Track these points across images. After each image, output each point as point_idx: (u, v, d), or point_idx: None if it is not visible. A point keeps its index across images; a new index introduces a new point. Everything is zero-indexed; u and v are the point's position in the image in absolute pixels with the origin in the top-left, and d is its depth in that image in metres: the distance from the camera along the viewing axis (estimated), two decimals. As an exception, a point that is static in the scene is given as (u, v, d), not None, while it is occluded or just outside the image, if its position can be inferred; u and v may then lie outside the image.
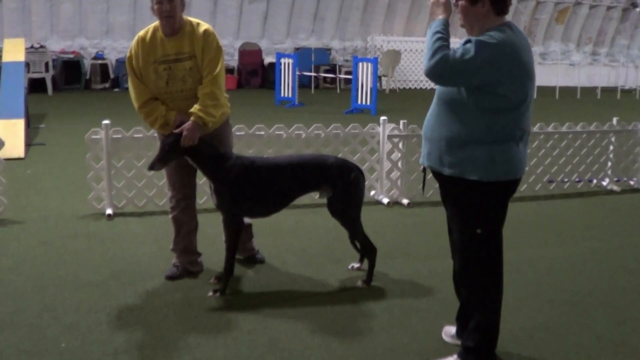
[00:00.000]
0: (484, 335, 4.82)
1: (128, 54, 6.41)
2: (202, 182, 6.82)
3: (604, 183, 10.84)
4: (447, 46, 4.45)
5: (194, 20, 6.38)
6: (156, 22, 6.34)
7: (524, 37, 4.62)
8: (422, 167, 5.10)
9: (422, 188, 5.24)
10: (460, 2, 4.63)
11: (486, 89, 4.46)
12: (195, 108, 6.18)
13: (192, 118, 6.15)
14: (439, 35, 4.49)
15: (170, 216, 6.77)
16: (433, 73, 4.43)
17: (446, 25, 4.57)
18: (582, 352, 5.25)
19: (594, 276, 6.96)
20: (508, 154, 4.57)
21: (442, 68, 4.39)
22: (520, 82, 4.47)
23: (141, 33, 6.39)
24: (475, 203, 4.66)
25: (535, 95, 4.74)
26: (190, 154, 6.18)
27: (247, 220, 6.78)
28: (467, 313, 4.94)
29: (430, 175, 5.15)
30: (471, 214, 4.70)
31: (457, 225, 4.81)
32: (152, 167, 6.22)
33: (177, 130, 6.11)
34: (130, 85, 6.42)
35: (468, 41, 4.50)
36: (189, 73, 6.25)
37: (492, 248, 4.75)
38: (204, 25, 6.36)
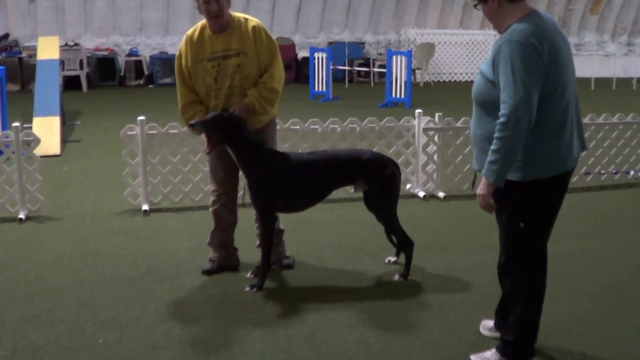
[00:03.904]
0: (524, 329, 4.77)
1: (177, 53, 6.49)
2: (241, 176, 6.81)
3: (641, 174, 10.75)
4: (497, 139, 4.34)
5: (241, 15, 6.41)
6: (203, 21, 6.35)
7: (552, 24, 4.49)
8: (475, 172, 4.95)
9: (472, 187, 5.08)
10: (478, 7, 4.60)
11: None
12: (251, 93, 6.27)
13: (245, 100, 6.26)
14: (493, 157, 4.38)
15: (210, 210, 6.78)
16: (522, 122, 4.27)
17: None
18: (621, 346, 5.19)
19: (633, 268, 6.89)
20: (546, 149, 4.46)
21: (520, 116, 4.25)
22: (549, 71, 4.34)
23: (189, 32, 6.42)
24: (518, 201, 4.58)
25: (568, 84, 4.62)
26: (231, 137, 6.14)
27: (280, 226, 6.80)
28: (508, 306, 4.90)
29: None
30: (515, 210, 4.62)
31: (501, 219, 4.74)
32: (194, 124, 6.12)
33: (225, 110, 6.21)
34: (177, 84, 6.51)
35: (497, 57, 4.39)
36: (237, 70, 6.28)
37: (535, 243, 4.69)
38: (252, 21, 6.39)
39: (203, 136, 6.40)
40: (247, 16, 6.44)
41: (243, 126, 6.14)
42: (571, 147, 4.56)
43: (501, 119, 4.28)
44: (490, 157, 4.38)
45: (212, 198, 6.76)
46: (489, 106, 4.48)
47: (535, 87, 4.27)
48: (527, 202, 4.57)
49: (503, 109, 4.27)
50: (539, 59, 4.28)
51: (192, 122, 6.16)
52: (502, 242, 4.82)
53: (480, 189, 4.51)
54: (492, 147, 4.35)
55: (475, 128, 4.70)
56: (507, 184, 4.49)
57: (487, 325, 5.36)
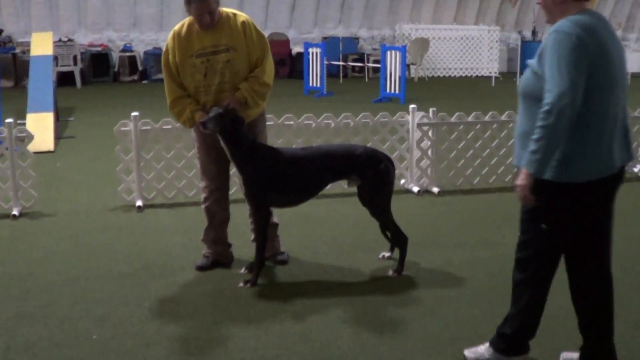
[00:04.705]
0: (524, 323, 4.75)
1: (164, 49, 6.42)
2: (232, 172, 6.82)
3: (635, 169, 10.74)
4: (538, 129, 4.19)
5: (229, 10, 6.36)
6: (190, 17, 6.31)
7: (606, 25, 4.38)
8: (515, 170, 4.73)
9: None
10: None
11: None
12: (244, 87, 6.27)
13: (237, 94, 6.25)
14: (535, 146, 4.22)
15: (202, 206, 6.76)
16: (566, 111, 4.13)
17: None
18: (615, 340, 5.19)
19: (626, 263, 6.90)
20: (587, 151, 4.31)
21: (565, 104, 4.11)
22: (595, 68, 4.21)
23: (176, 27, 6.36)
24: (545, 201, 4.40)
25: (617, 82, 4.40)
26: (229, 133, 6.12)
27: (274, 219, 6.79)
28: (513, 298, 4.81)
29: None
30: (539, 210, 4.46)
31: (524, 215, 4.61)
32: (204, 123, 6.03)
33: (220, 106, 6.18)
34: (164, 80, 6.46)
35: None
36: (227, 65, 6.25)
37: (553, 247, 4.60)
38: (241, 17, 6.36)
39: (192, 132, 6.43)
40: (235, 11, 6.40)
41: (241, 124, 6.13)
42: (611, 154, 4.42)
43: (545, 107, 4.15)
44: (531, 146, 4.23)
45: (203, 195, 6.74)
46: (536, 99, 4.32)
47: (580, 78, 4.15)
48: (553, 204, 4.45)
49: (547, 98, 4.15)
50: (586, 52, 4.18)
51: (202, 120, 6.10)
52: (520, 238, 4.70)
53: (520, 179, 4.35)
54: (534, 136, 4.21)
55: (520, 123, 4.53)
56: (543, 183, 4.36)
57: (570, 357, 5.08)
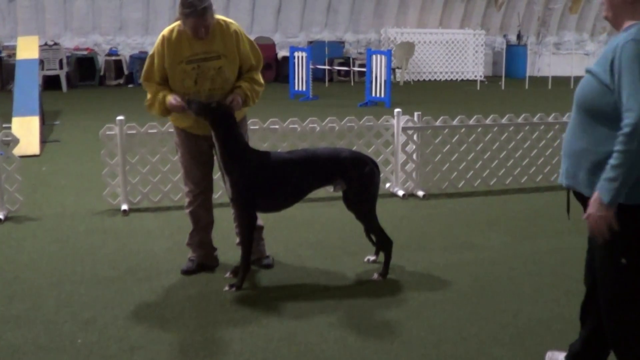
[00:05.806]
0: None
1: (150, 52, 6.36)
2: (217, 177, 6.83)
3: None
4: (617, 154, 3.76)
5: (220, 17, 6.32)
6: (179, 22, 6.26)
7: None
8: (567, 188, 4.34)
9: (567, 211, 4.51)
10: None
11: None
12: (244, 85, 6.30)
13: (237, 91, 6.27)
14: (613, 173, 3.77)
15: (187, 211, 6.75)
16: None
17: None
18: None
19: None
20: None
21: None
22: None
23: (166, 32, 6.28)
24: (620, 229, 3.87)
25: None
26: (224, 130, 6.11)
27: (259, 222, 6.79)
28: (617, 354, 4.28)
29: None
30: (615, 241, 3.92)
31: (600, 252, 4.12)
32: (190, 102, 6.08)
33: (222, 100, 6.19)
34: (144, 83, 6.40)
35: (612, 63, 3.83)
36: (218, 72, 6.25)
37: None
38: (233, 25, 6.36)
39: (176, 136, 6.44)
40: (224, 18, 6.38)
41: (233, 121, 6.13)
42: None
43: (625, 129, 3.69)
44: (609, 173, 3.77)
45: (187, 199, 6.73)
46: (599, 114, 3.92)
47: None
48: (631, 232, 3.93)
49: (628, 118, 3.69)
50: None
51: (190, 98, 6.13)
52: (600, 278, 4.21)
53: (594, 209, 3.86)
54: (612, 161, 3.75)
55: (574, 138, 4.11)
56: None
57: (555, 357, 4.94)
